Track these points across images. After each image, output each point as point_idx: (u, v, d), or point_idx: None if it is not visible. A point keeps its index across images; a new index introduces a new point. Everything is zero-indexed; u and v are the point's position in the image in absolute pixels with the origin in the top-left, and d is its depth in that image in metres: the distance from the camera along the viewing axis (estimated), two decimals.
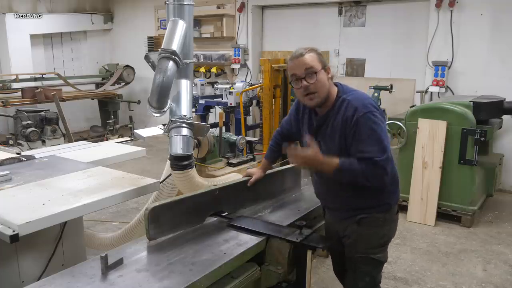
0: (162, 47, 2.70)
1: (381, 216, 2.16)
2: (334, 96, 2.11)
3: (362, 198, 2.14)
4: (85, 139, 5.69)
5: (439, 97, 5.89)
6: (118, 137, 7.06)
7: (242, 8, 7.65)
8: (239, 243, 2.06)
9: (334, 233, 2.30)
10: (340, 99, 2.09)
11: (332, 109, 2.10)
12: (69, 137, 6.59)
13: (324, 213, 2.48)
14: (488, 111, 4.63)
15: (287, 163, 3.01)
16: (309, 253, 2.03)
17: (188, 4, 2.80)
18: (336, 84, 2.16)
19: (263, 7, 7.81)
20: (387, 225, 2.20)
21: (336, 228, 2.29)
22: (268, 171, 2.63)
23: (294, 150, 2.09)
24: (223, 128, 3.92)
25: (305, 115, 2.29)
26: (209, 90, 7.11)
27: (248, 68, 7.85)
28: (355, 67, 7.01)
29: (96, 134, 8.30)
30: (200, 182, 2.82)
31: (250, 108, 6.47)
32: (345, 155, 2.04)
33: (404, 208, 4.71)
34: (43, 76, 7.84)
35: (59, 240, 2.53)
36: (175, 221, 2.14)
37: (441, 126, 4.50)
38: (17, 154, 3.17)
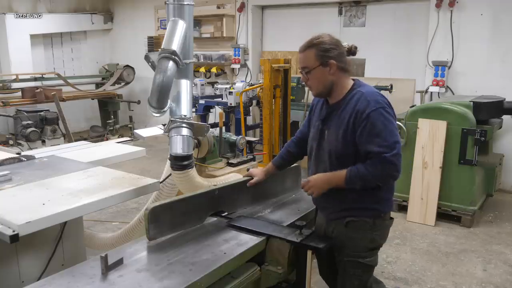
0: (162, 47, 2.70)
1: (370, 221, 2.13)
2: (348, 88, 2.14)
3: (352, 198, 2.12)
4: (85, 139, 5.70)
5: (439, 97, 5.89)
6: (118, 137, 7.07)
7: (242, 8, 7.65)
8: (239, 243, 2.06)
9: (324, 234, 2.27)
10: (354, 90, 2.12)
11: (344, 99, 2.12)
12: (69, 137, 6.58)
13: (316, 214, 2.46)
14: (488, 111, 4.63)
15: None
16: (309, 253, 2.03)
17: (188, 4, 2.80)
18: (353, 79, 2.19)
19: (263, 7, 7.81)
20: (376, 231, 2.16)
21: (325, 229, 2.27)
22: None
23: (304, 184, 2.20)
24: (223, 128, 3.92)
25: (318, 106, 2.32)
26: (209, 90, 7.11)
27: (248, 68, 7.84)
28: (355, 67, 7.00)
29: (96, 134, 8.30)
30: (200, 182, 2.82)
31: (250, 108, 6.46)
32: (344, 146, 2.07)
33: (404, 208, 4.72)
34: (43, 76, 7.85)
35: (59, 240, 2.53)
36: (175, 221, 2.14)
37: (441, 126, 4.50)
38: (17, 154, 3.17)
